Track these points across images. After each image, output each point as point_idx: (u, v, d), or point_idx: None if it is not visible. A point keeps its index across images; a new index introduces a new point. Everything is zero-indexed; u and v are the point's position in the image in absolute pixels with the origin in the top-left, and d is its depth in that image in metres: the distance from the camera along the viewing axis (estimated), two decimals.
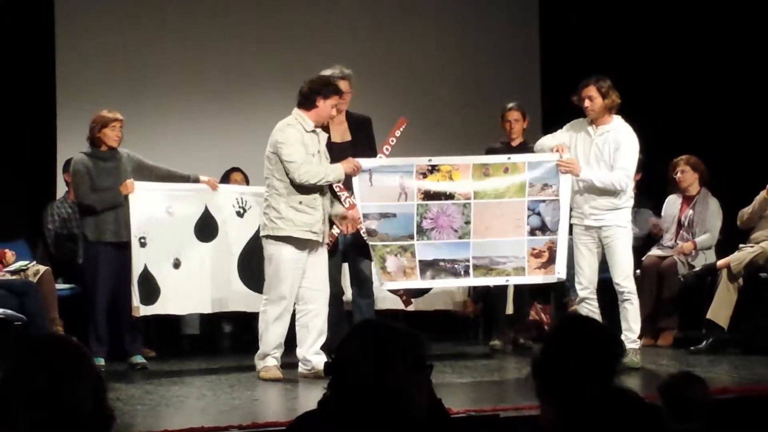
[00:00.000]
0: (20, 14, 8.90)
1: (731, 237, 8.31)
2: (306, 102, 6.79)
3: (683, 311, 8.26)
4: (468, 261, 7.23)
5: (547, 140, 7.39)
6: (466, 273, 7.27)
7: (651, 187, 8.54)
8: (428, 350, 2.59)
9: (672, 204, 8.53)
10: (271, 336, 6.82)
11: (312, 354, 6.77)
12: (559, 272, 7.34)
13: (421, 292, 8.18)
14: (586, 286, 7.15)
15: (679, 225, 8.41)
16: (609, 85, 7.09)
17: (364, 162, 7.04)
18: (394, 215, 7.14)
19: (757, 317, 7.91)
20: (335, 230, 7.14)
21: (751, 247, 7.96)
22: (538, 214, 7.28)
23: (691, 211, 8.39)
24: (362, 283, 7.50)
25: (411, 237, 7.16)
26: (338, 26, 9.97)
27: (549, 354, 2.90)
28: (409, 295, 7.82)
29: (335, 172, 6.83)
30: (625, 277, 7.11)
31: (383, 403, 2.47)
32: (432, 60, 10.21)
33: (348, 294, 7.68)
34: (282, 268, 6.74)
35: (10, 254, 7.71)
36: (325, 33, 9.84)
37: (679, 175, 8.39)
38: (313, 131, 6.80)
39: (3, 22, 8.82)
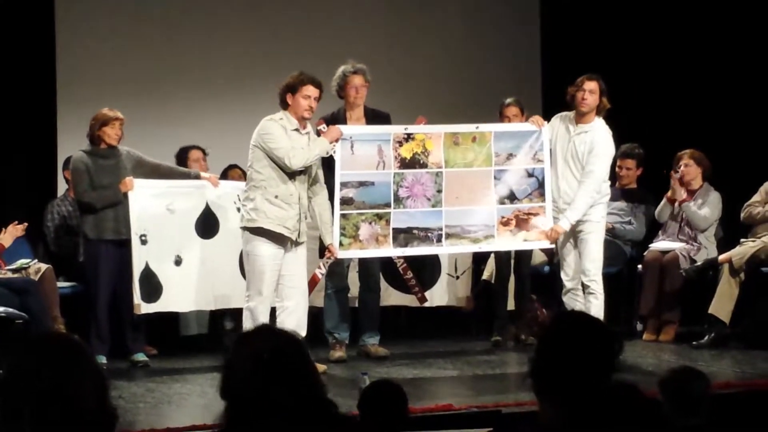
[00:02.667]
0: (21, 11, 8.88)
1: (733, 232, 8.29)
2: (282, 103, 6.91)
3: (685, 306, 8.25)
4: (441, 229, 7.35)
5: None
6: (439, 241, 7.38)
7: (654, 181, 8.53)
8: (307, 354, 2.48)
9: None
10: None
11: None
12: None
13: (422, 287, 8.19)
14: (572, 277, 7.34)
15: (682, 218, 8.38)
16: (605, 88, 7.26)
17: (345, 128, 7.15)
18: (372, 183, 7.23)
19: (759, 312, 7.91)
20: (326, 261, 7.25)
21: (753, 241, 7.95)
22: (505, 182, 7.38)
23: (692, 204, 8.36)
24: (368, 279, 7.63)
25: (387, 205, 7.25)
26: (339, 25, 9.96)
27: (545, 352, 2.87)
28: (423, 291, 7.90)
29: (320, 145, 6.95)
30: (596, 272, 7.26)
31: (276, 415, 2.39)
32: (432, 56, 10.20)
33: (354, 290, 7.73)
34: (259, 264, 6.81)
35: (10, 235, 7.61)
36: (325, 31, 9.84)
37: (682, 168, 8.36)
38: (297, 130, 6.86)
39: (3, 20, 8.81)
